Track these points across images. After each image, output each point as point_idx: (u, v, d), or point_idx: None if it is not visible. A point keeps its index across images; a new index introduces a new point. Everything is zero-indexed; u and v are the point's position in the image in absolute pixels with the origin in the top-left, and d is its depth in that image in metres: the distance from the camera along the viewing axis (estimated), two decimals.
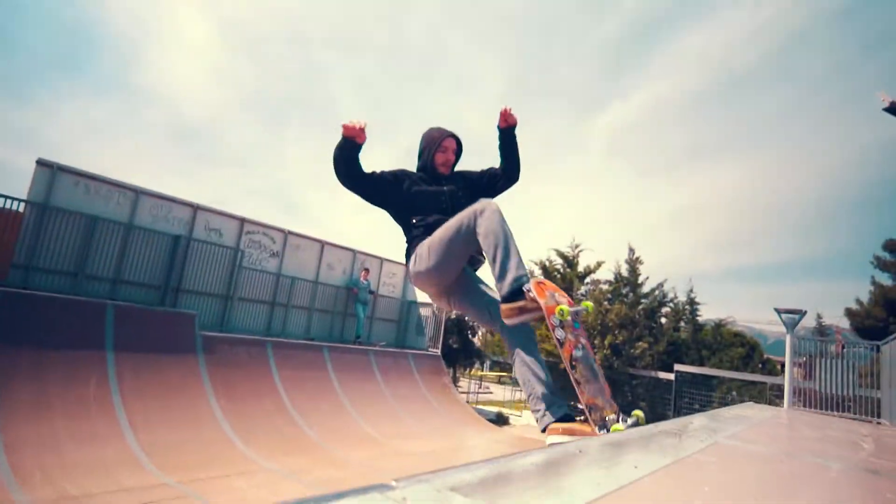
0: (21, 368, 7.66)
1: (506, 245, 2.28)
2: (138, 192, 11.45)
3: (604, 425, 2.11)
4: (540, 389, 2.27)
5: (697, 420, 2.98)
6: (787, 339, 12.03)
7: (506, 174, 2.92)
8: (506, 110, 2.79)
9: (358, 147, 2.57)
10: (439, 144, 2.89)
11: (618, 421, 2.12)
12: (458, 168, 3.02)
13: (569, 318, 2.17)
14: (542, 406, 2.24)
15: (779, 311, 12.37)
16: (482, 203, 2.40)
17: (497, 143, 2.89)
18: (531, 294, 2.18)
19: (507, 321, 2.27)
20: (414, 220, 2.68)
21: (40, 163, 9.97)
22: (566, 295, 2.33)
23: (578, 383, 2.18)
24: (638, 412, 2.25)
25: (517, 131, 2.88)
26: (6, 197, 9.24)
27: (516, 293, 2.22)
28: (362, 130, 2.52)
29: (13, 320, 8.01)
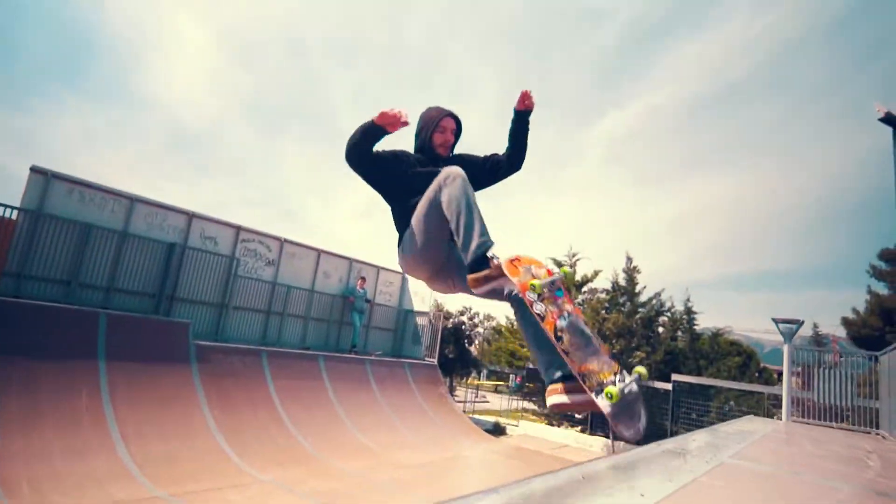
0: (12, 379, 7.53)
1: (468, 212, 2.21)
2: (133, 200, 11.35)
3: (600, 390, 2.00)
4: (541, 351, 2.22)
5: (700, 437, 2.91)
6: (785, 349, 11.98)
7: (510, 160, 2.81)
8: (526, 92, 2.70)
9: (384, 135, 2.50)
10: (437, 124, 2.74)
11: (615, 383, 2.02)
12: (458, 151, 2.88)
13: (544, 290, 2.08)
14: (543, 368, 2.21)
15: (776, 321, 12.33)
16: (445, 171, 2.34)
17: (509, 126, 2.79)
18: (496, 261, 2.12)
19: (474, 291, 2.21)
20: (408, 204, 2.59)
21: (34, 170, 9.88)
22: (544, 265, 2.22)
23: (567, 353, 2.08)
24: (640, 369, 2.15)
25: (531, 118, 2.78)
26: None
27: (480, 261, 2.16)
28: (403, 123, 2.43)
29: (4, 330, 7.89)
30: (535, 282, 2.07)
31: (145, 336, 9.70)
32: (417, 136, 2.80)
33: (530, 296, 2.08)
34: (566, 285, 2.15)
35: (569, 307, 2.13)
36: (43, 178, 9.98)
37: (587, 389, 2.02)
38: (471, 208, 2.24)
